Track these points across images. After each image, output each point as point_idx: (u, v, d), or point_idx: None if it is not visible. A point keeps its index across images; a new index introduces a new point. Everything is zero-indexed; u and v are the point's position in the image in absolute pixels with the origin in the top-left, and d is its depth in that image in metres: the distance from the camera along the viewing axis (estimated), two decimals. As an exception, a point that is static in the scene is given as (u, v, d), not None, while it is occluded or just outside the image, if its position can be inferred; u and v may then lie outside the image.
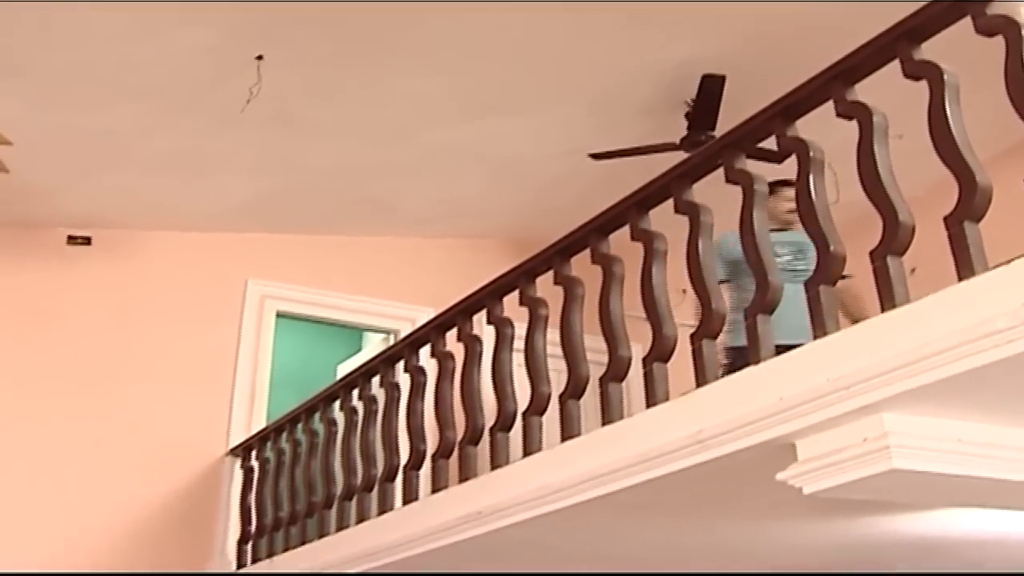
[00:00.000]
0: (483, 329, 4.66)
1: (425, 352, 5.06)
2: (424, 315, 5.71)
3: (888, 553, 4.83)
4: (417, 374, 5.05)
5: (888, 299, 2.80)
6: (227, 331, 7.06)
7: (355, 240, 7.55)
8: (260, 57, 5.23)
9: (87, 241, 6.85)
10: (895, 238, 2.85)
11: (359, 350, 8.22)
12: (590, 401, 3.95)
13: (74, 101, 5.48)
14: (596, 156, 6.16)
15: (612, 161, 6.14)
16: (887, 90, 3.18)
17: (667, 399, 3.52)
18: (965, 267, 2.61)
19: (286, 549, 5.83)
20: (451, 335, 4.90)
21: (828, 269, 3.04)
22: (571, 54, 5.69)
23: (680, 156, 5.03)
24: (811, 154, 3.15)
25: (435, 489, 4.69)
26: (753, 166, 3.51)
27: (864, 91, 3.17)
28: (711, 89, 5.80)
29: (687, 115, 6.00)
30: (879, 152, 2.94)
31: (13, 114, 5.22)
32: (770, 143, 3.42)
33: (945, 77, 2.81)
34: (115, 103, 5.55)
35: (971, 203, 2.66)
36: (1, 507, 6.13)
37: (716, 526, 4.34)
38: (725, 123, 5.39)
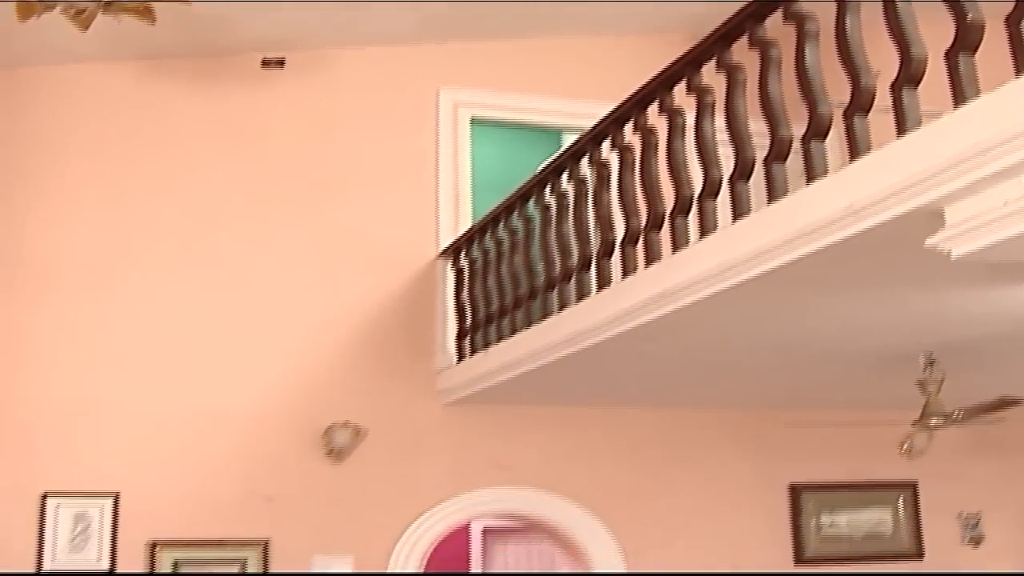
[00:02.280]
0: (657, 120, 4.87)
1: (608, 146, 5.30)
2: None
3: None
4: (600, 167, 5.32)
5: (1022, 65, 2.89)
6: (425, 140, 7.43)
7: (542, 43, 7.72)
8: None
9: (281, 63, 7.14)
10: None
11: (558, 149, 8.47)
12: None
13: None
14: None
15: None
16: None
17: (826, 175, 3.70)
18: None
19: (499, 340, 6.30)
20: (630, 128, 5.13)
21: (966, 38, 3.12)
22: None
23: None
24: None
25: (625, 274, 5.02)
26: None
27: None
28: None
29: None
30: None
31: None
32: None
33: None
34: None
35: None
36: (235, 322, 6.83)
37: (876, 299, 4.55)
38: None
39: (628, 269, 5.01)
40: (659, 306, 4.62)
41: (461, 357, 6.86)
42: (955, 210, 3.16)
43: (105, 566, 6.33)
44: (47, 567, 6.25)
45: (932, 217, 3.22)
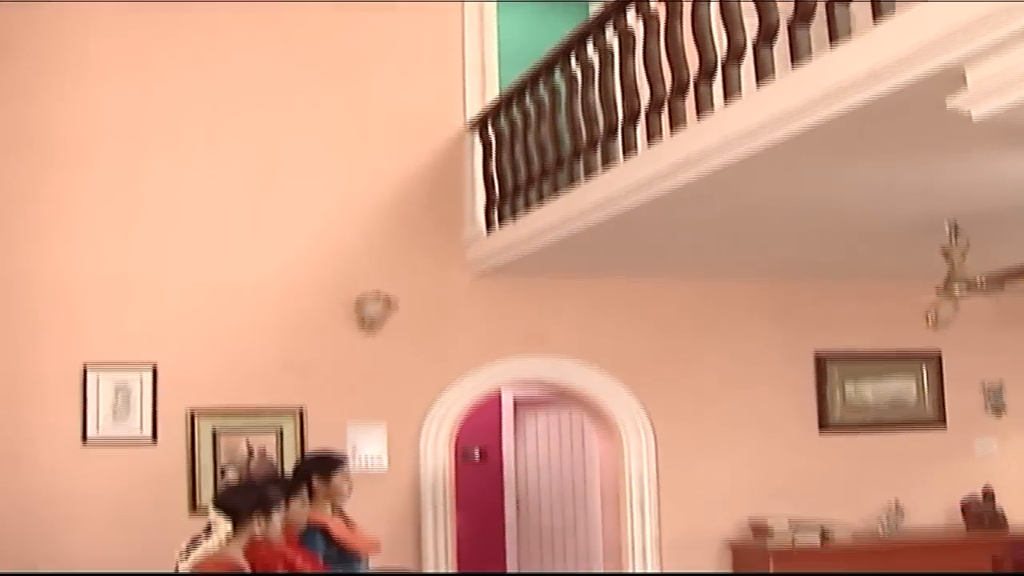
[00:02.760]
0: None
1: (633, 13, 5.26)
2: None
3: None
4: (625, 35, 5.30)
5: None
6: (451, 13, 7.35)
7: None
8: None
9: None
10: None
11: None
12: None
13: None
14: None
15: None
16: None
17: (849, 38, 3.70)
18: None
19: (527, 209, 6.36)
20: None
21: None
22: None
23: None
24: None
25: (650, 141, 5.05)
26: None
27: None
28: None
29: None
30: None
31: None
32: None
33: None
34: None
35: None
36: (267, 195, 6.90)
37: (901, 165, 4.59)
38: None
39: (653, 136, 5.04)
40: (683, 171, 4.67)
41: (490, 228, 6.93)
42: (976, 71, 3.17)
43: (147, 434, 6.56)
44: (92, 436, 6.49)
45: (954, 78, 3.24)
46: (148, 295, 6.64)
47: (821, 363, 7.85)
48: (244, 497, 3.95)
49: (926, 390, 8.14)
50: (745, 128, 4.17)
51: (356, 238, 7.00)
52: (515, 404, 9.04)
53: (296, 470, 5.20)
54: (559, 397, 8.13)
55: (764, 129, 4.06)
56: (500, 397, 8.80)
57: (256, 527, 3.89)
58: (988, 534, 7.55)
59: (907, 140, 4.16)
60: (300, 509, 4.45)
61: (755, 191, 5.00)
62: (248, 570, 3.83)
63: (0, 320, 6.45)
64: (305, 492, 4.55)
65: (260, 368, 6.77)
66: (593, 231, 5.73)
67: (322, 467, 4.89)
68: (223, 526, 3.83)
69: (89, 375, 6.51)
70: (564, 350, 7.29)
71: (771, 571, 7.07)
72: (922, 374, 8.14)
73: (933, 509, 7.98)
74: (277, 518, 4.00)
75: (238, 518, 3.86)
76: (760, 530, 7.29)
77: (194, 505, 6.50)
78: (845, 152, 4.32)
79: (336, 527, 4.77)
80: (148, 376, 6.60)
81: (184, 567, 3.84)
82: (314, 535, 4.64)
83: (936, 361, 8.15)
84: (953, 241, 5.79)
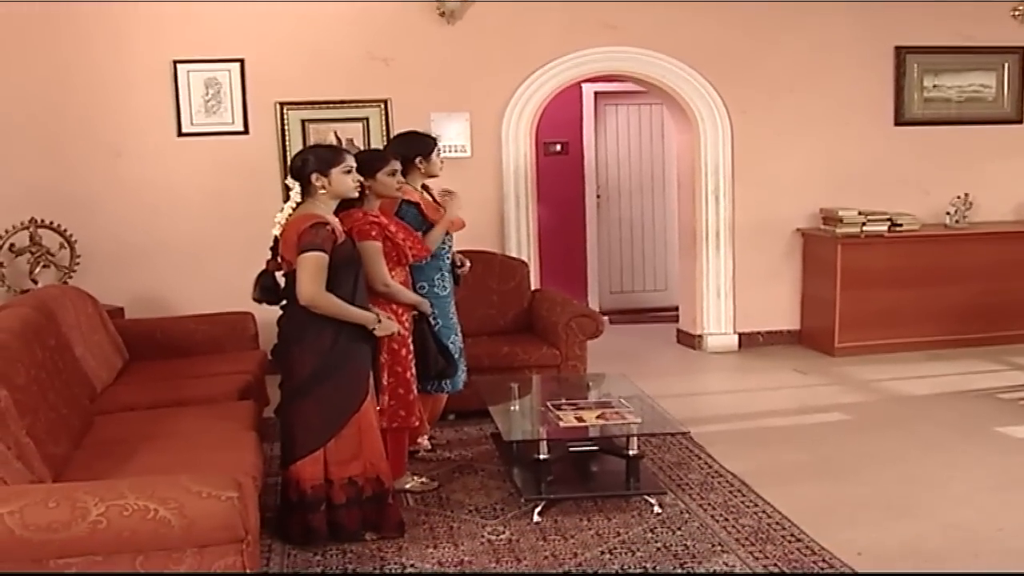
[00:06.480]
0: None
1: None
2: None
3: None
4: None
5: None
6: None
7: None
8: None
9: None
10: None
11: None
12: None
13: None
14: None
15: None
16: None
17: None
18: None
19: None
20: None
21: None
22: None
23: None
24: None
25: None
26: None
27: None
28: None
29: None
30: None
31: None
32: None
33: None
34: None
35: None
36: None
37: None
38: None
39: None
40: None
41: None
42: None
43: (239, 127, 6.88)
44: (185, 129, 6.79)
45: None
46: (233, -10, 6.78)
47: (901, 56, 7.80)
48: (300, 159, 4.16)
49: (1006, 86, 8.08)
50: None
51: (434, -72, 6.98)
52: (595, 97, 9.11)
53: (396, 149, 5.20)
54: (638, 89, 8.21)
55: None
56: (581, 91, 8.86)
57: (317, 186, 4.09)
58: (1054, 226, 7.69)
59: None
60: (387, 179, 4.54)
61: None
62: (334, 223, 4.04)
63: (93, 23, 6.67)
64: (395, 164, 4.66)
65: (345, 61, 6.94)
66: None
67: (422, 147, 4.98)
68: (295, 189, 4.08)
69: (180, 70, 6.73)
70: (642, 41, 7.32)
71: (839, 256, 7.33)
72: (1003, 70, 8.06)
73: (1003, 204, 8.11)
74: (339, 177, 4.14)
75: (302, 180, 4.10)
76: (830, 219, 7.48)
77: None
78: None
79: (426, 203, 4.92)
80: (236, 70, 6.81)
81: (275, 231, 4.11)
82: (410, 209, 4.80)
83: (1019, 57, 8.05)
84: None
